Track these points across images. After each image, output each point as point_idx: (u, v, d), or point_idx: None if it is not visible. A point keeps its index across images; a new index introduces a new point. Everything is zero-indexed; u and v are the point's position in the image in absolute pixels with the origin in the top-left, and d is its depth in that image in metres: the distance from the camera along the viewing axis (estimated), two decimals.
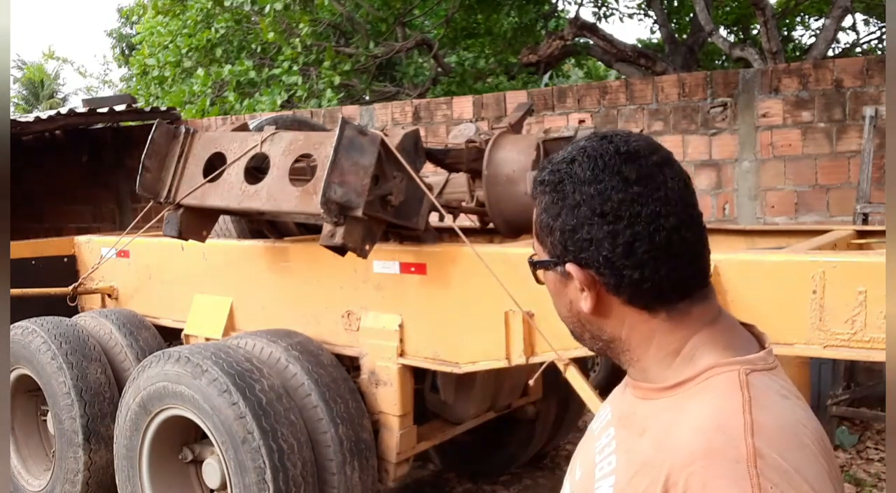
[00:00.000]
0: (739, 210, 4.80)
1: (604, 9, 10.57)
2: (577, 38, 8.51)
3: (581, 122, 5.23)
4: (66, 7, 56.13)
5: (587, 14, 18.74)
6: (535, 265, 1.04)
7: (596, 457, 1.02)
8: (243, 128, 3.27)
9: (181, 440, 3.08)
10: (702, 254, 0.98)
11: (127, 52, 15.04)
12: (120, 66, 17.65)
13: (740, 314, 1.02)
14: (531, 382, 2.66)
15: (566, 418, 4.03)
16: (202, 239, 3.27)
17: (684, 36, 9.70)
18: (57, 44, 52.58)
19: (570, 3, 14.14)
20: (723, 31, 9.76)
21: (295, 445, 2.69)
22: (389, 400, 3.00)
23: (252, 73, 8.56)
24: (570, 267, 0.98)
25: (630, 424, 0.99)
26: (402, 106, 6.12)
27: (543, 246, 1.02)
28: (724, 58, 10.31)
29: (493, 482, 4.07)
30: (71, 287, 4.05)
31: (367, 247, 2.72)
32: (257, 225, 3.65)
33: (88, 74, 31.58)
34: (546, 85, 10.32)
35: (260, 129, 3.21)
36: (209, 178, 3.06)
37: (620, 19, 13.23)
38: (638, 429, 0.96)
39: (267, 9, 7.97)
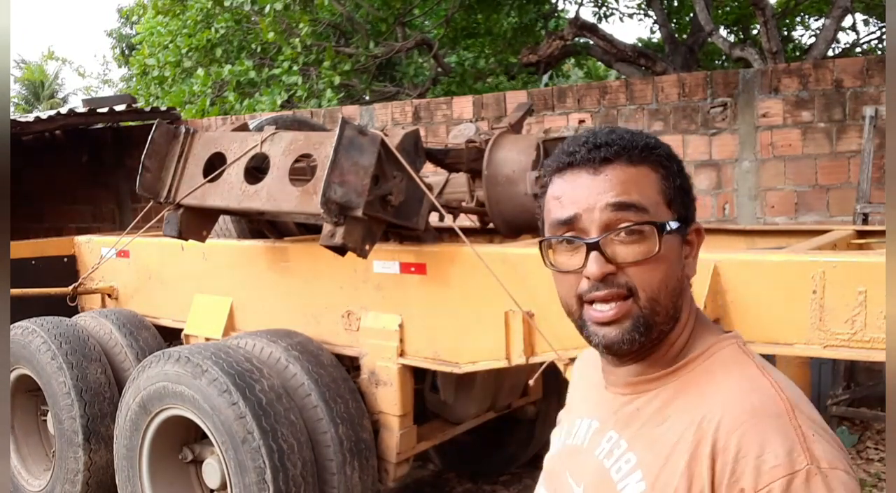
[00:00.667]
0: (739, 210, 4.80)
1: (604, 9, 10.57)
2: (577, 38, 8.51)
3: (581, 122, 5.23)
4: (66, 7, 56.18)
5: (587, 14, 18.80)
6: (674, 228, 0.98)
7: (604, 463, 1.01)
8: (243, 128, 3.27)
9: (181, 440, 3.08)
10: None
11: (127, 52, 15.03)
12: (120, 67, 17.67)
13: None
14: (531, 382, 2.66)
15: None
16: (202, 239, 3.27)
17: (684, 36, 9.69)
18: (57, 44, 52.68)
19: (570, 3, 14.15)
20: (723, 31, 9.75)
21: (295, 445, 2.69)
22: (389, 400, 3.00)
23: (252, 73, 8.56)
24: (698, 225, 1.04)
25: (637, 419, 1.00)
26: (402, 106, 6.12)
27: (675, 210, 0.99)
28: (724, 58, 10.31)
29: (493, 482, 4.07)
30: (71, 287, 4.05)
31: (367, 247, 2.72)
32: (257, 225, 3.64)
33: (88, 74, 31.59)
34: (546, 85, 10.32)
35: (260, 129, 3.21)
36: (209, 178, 3.06)
37: (620, 19, 13.24)
38: (655, 420, 0.98)
39: (267, 9, 7.97)
